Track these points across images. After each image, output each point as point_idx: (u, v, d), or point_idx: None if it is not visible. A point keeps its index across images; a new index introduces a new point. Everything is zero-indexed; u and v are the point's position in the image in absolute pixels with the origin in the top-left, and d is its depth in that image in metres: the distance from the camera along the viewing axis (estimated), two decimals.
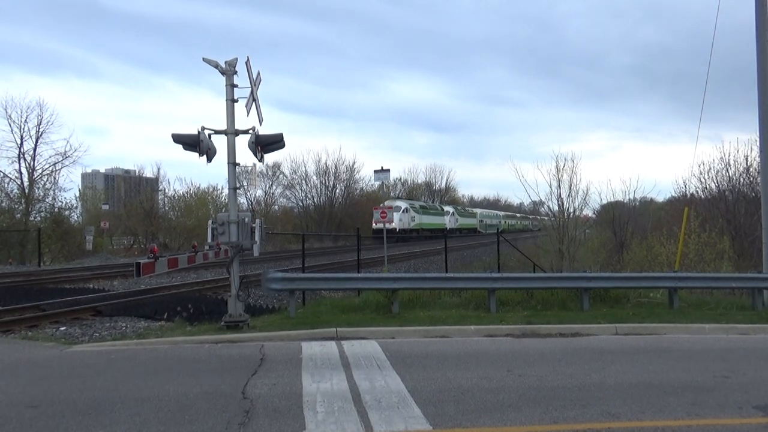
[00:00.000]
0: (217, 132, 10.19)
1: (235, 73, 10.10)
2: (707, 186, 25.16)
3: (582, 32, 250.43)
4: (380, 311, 11.91)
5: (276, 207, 58.55)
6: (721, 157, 24.47)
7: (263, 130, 10.37)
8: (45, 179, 36.73)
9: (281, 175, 60.60)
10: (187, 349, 8.78)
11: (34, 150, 36.33)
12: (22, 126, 36.09)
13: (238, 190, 10.67)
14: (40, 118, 36.50)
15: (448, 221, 64.83)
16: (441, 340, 9.45)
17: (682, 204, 23.60)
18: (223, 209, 27.69)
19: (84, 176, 69.70)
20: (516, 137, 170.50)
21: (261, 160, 10.68)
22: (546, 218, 25.09)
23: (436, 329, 10.19)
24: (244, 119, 10.33)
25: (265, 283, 11.60)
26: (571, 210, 22.15)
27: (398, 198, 62.44)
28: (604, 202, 29.66)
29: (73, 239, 35.06)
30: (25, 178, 35.90)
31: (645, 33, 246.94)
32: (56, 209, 36.36)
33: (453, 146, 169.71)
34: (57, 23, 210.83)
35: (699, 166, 25.15)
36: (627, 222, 28.37)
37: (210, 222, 10.64)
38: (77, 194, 46.12)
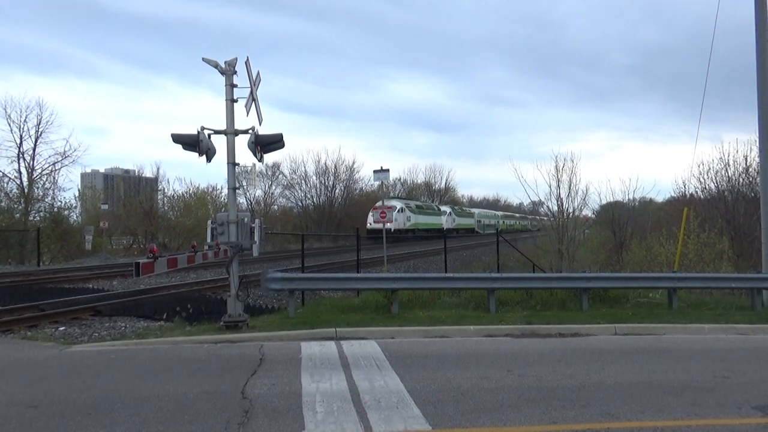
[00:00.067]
0: (216, 132, 10.19)
1: (235, 73, 10.10)
2: (707, 186, 25.23)
3: (582, 32, 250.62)
4: (380, 311, 11.91)
5: (275, 207, 58.66)
6: (721, 158, 24.55)
7: (263, 130, 10.38)
8: (44, 179, 36.74)
9: (281, 175, 60.72)
10: (187, 349, 8.78)
11: (34, 150, 36.34)
12: (22, 126, 36.09)
13: (237, 190, 10.67)
14: (39, 117, 36.51)
15: (445, 221, 64.12)
16: (440, 340, 9.45)
17: (681, 204, 23.63)
18: (223, 209, 27.68)
19: (83, 176, 69.57)
20: (516, 137, 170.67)
21: (260, 160, 10.68)
22: (545, 218, 25.11)
23: (436, 329, 10.19)
24: (243, 119, 10.34)
25: (265, 283, 11.60)
26: (571, 210, 22.20)
27: (394, 198, 61.54)
28: (604, 202, 29.75)
29: (73, 239, 35.04)
30: (25, 178, 35.91)
31: (645, 33, 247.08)
32: (55, 209, 36.35)
33: (453, 146, 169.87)
34: (57, 23, 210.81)
35: (698, 167, 25.22)
36: (626, 222, 28.40)
37: (209, 222, 10.64)
38: (77, 194, 46.16)
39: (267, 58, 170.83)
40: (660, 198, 35.34)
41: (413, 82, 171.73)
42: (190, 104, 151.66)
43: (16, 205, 34.97)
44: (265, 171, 57.52)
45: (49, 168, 36.73)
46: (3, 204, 34.53)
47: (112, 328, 10.88)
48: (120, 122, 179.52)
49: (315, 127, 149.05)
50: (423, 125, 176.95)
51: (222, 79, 10.12)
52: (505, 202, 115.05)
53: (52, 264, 29.22)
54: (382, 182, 19.10)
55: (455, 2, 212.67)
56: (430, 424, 5.25)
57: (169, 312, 11.95)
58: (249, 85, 10.16)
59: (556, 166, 21.70)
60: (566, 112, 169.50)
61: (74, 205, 40.35)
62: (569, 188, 21.81)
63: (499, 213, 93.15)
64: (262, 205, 56.03)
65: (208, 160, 10.20)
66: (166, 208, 46.67)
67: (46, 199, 36.46)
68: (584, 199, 22.62)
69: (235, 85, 10.14)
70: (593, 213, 31.95)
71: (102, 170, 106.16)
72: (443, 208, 68.89)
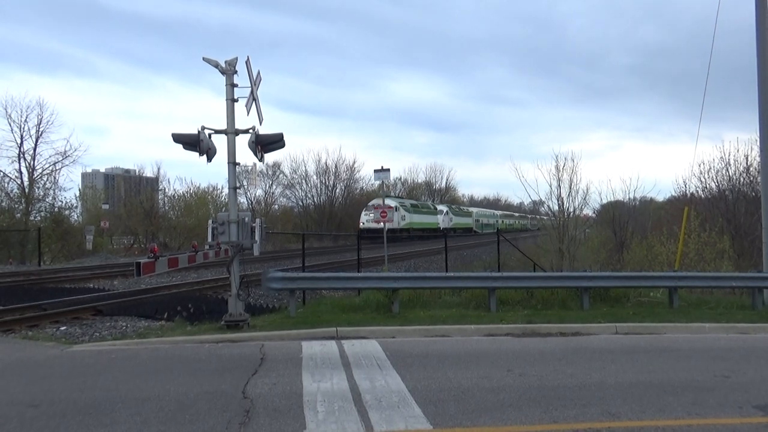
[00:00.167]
0: (217, 131, 10.18)
1: (235, 72, 10.10)
2: (707, 185, 25.20)
3: (582, 31, 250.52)
4: (380, 311, 11.91)
5: (276, 206, 58.64)
6: (721, 157, 24.51)
7: (263, 130, 10.38)
8: (45, 179, 36.77)
9: (281, 175, 60.69)
10: (188, 349, 8.78)
11: (34, 149, 36.38)
12: (22, 125, 36.13)
13: (238, 190, 10.67)
14: (40, 117, 36.55)
15: (442, 221, 62.91)
16: (441, 340, 9.45)
17: (682, 203, 23.62)
18: (223, 209, 27.69)
19: (84, 176, 69.72)
20: (516, 137, 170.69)
21: (261, 159, 10.68)
22: (546, 218, 25.12)
23: (437, 329, 10.19)
24: (244, 119, 10.34)
25: (266, 282, 11.60)
26: (571, 209, 22.22)
27: (388, 196, 61.25)
28: (604, 201, 29.77)
29: (74, 239, 35.06)
30: (25, 178, 35.95)
31: (645, 32, 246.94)
32: (56, 209, 36.38)
33: (453, 146, 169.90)
34: (57, 23, 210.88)
35: (699, 166, 25.17)
36: (627, 221, 28.42)
37: (210, 221, 10.64)
38: (77, 194, 46.22)
39: (267, 58, 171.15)
40: (660, 197, 35.36)
41: (413, 81, 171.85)
42: (191, 104, 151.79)
43: (17, 205, 35.00)
44: (265, 170, 57.59)
45: (50, 168, 36.82)
46: (4, 204, 34.56)
47: (113, 327, 10.89)
48: (120, 122, 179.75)
49: (315, 127, 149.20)
50: (423, 125, 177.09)
51: (222, 79, 10.12)
52: (505, 201, 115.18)
53: (53, 264, 29.23)
54: (382, 182, 19.12)
55: (455, 2, 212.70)
56: (431, 424, 5.25)
57: (170, 311, 11.95)
58: (249, 85, 10.16)
59: (557, 165, 21.73)
60: (566, 111, 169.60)
61: (75, 204, 40.49)
62: (570, 188, 21.85)
63: (498, 212, 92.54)
64: (263, 204, 56.02)
65: (209, 159, 10.20)
66: (166, 207, 46.72)
67: (47, 199, 36.53)
68: (585, 199, 22.67)
69: (236, 85, 10.13)
70: (594, 212, 31.98)
71: (102, 170, 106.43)
72: (440, 207, 67.60)
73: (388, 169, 18.43)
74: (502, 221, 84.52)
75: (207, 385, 6.53)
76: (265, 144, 10.43)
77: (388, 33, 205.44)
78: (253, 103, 10.22)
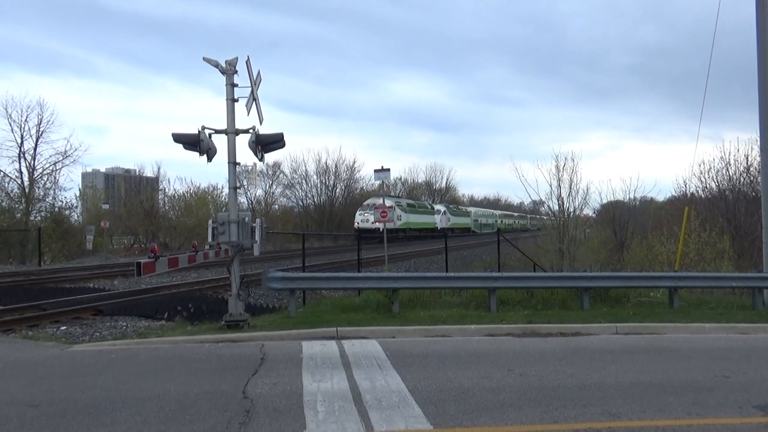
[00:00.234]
0: (217, 131, 10.19)
1: (236, 72, 10.10)
2: (707, 185, 25.20)
3: (582, 32, 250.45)
4: (381, 311, 11.91)
5: (276, 206, 58.69)
6: (722, 157, 24.50)
7: (263, 130, 10.39)
8: (45, 179, 36.81)
9: (281, 175, 60.72)
10: (188, 349, 8.79)
11: (35, 149, 36.40)
12: (23, 125, 36.16)
13: (238, 190, 10.67)
14: (40, 117, 36.57)
15: (439, 220, 61.56)
16: (441, 340, 9.45)
17: (682, 203, 23.62)
18: (224, 209, 27.70)
19: (84, 175, 69.72)
20: (516, 137, 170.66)
21: (261, 159, 10.69)
22: (546, 217, 25.12)
23: (437, 329, 10.19)
24: (244, 119, 10.34)
25: (266, 282, 11.60)
26: (572, 209, 22.22)
27: (383, 195, 60.30)
28: (605, 201, 29.76)
29: (74, 239, 35.07)
30: (26, 178, 35.97)
31: (645, 32, 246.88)
32: (56, 209, 36.39)
33: (453, 146, 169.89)
34: (57, 23, 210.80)
35: (699, 166, 25.15)
36: (627, 221, 28.41)
37: (210, 221, 10.64)
38: (77, 194, 46.21)
39: (267, 58, 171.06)
40: (661, 197, 35.36)
41: (413, 81, 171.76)
42: (191, 104, 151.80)
43: (17, 205, 35.02)
44: (265, 170, 57.61)
45: (50, 168, 36.85)
46: (4, 204, 34.58)
47: (114, 327, 10.89)
48: (120, 122, 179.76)
49: (315, 127, 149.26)
50: (423, 125, 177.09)
51: (222, 79, 10.12)
52: (505, 201, 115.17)
53: (53, 264, 29.23)
54: (383, 181, 19.14)
55: (455, 2, 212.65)
56: (431, 424, 5.25)
57: (170, 311, 11.96)
58: (250, 85, 10.16)
59: (557, 165, 21.73)
60: (567, 111, 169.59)
61: (75, 204, 40.47)
62: (570, 187, 21.84)
63: (497, 212, 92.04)
64: (263, 204, 56.06)
65: (209, 159, 10.20)
66: (166, 207, 46.74)
67: (47, 199, 36.56)
68: (585, 199, 22.66)
69: (236, 85, 10.14)
70: (594, 212, 31.97)
71: (103, 170, 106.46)
72: (437, 206, 65.98)
73: (388, 169, 18.45)
74: (501, 221, 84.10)
75: (207, 384, 6.53)
76: (266, 144, 10.43)
77: (388, 33, 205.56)
78: (254, 103, 10.22)
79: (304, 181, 62.07)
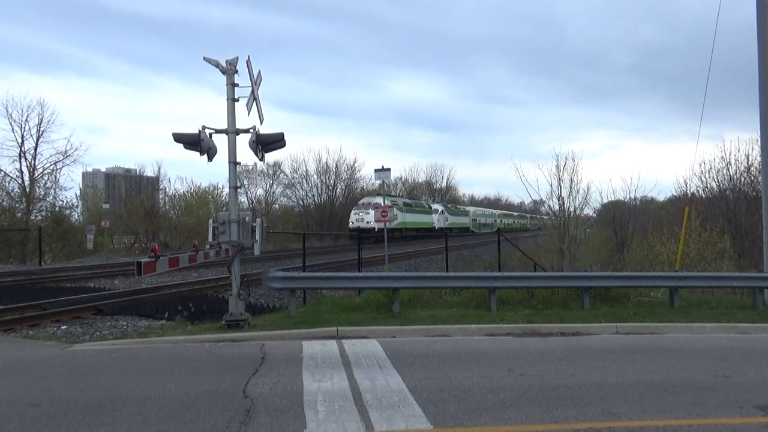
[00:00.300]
0: (217, 131, 10.19)
1: (236, 72, 10.10)
2: (708, 185, 25.19)
3: (582, 31, 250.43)
4: (381, 310, 11.91)
5: (277, 206, 58.71)
6: (722, 156, 24.49)
7: (264, 129, 10.38)
8: (46, 178, 36.83)
9: (282, 174, 60.70)
10: (188, 348, 8.79)
11: (35, 149, 36.42)
12: (23, 125, 36.18)
13: (238, 189, 10.67)
14: (40, 117, 36.59)
15: (437, 220, 60.86)
16: (442, 339, 9.45)
17: (682, 203, 23.60)
18: (224, 208, 27.69)
19: (85, 175, 69.74)
20: (516, 136, 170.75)
21: (262, 159, 10.67)
22: (546, 217, 25.13)
23: (437, 328, 10.19)
24: (244, 118, 10.34)
25: (266, 282, 11.60)
26: (572, 209, 22.24)
27: (378, 194, 59.04)
28: (605, 201, 29.76)
29: (74, 238, 35.09)
30: (26, 177, 35.97)
31: (645, 32, 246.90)
32: (57, 208, 36.42)
33: (453, 145, 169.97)
34: (57, 23, 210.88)
35: (700, 165, 25.13)
36: (628, 221, 28.40)
37: (211, 221, 10.64)
38: (78, 193, 46.08)
39: (268, 58, 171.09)
40: (661, 197, 35.38)
41: (413, 81, 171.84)
42: (191, 103, 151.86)
43: (17, 205, 35.03)
44: (266, 170, 57.57)
45: (51, 167, 36.87)
46: (5, 203, 34.59)
47: (114, 327, 10.89)
48: (121, 121, 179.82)
49: (316, 126, 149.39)
50: (423, 124, 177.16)
51: (223, 79, 10.12)
52: (506, 201, 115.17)
53: (54, 263, 29.26)
54: (383, 181, 19.12)
55: (455, 2, 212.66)
56: (431, 423, 5.25)
57: (170, 311, 11.96)
58: (250, 85, 10.16)
59: (557, 165, 21.78)
60: (567, 111, 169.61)
61: (76, 204, 40.41)
62: (570, 187, 21.89)
63: (497, 212, 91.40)
64: (264, 204, 56.06)
65: (210, 159, 10.21)
66: (167, 207, 46.70)
67: (48, 199, 36.58)
68: (585, 198, 22.71)
69: (237, 85, 10.14)
70: (594, 212, 31.98)
71: (103, 169, 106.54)
72: (434, 206, 65.30)
73: (389, 169, 18.45)
74: (501, 221, 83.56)
75: (207, 384, 6.53)
76: (266, 143, 10.43)
77: (388, 33, 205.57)
78: (254, 102, 10.22)
79: (304, 181, 62.15)
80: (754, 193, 22.07)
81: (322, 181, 62.31)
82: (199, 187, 47.22)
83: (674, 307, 12.26)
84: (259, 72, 10.32)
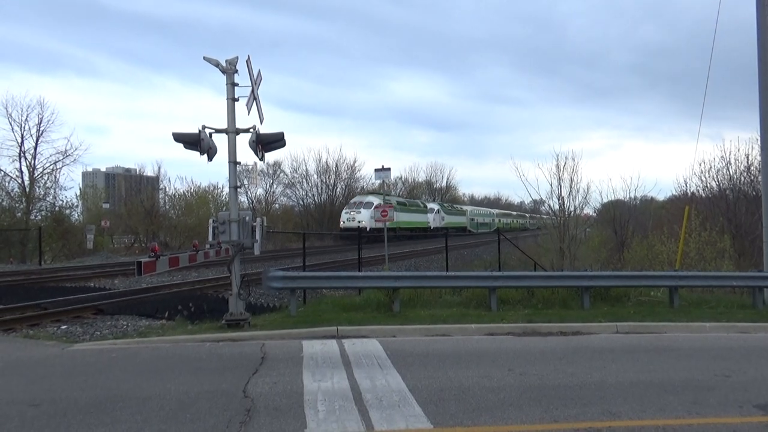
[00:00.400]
0: (217, 131, 10.19)
1: (236, 71, 10.10)
2: (708, 185, 25.21)
3: (582, 31, 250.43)
4: (381, 310, 11.91)
5: (277, 205, 58.64)
6: (722, 156, 24.51)
7: (264, 129, 10.38)
8: (46, 178, 36.82)
9: (282, 174, 60.68)
10: (189, 348, 8.79)
11: (35, 149, 36.41)
12: (23, 125, 36.17)
13: (239, 189, 10.67)
14: (40, 116, 36.57)
15: (432, 219, 59.24)
16: (442, 339, 9.45)
17: (682, 203, 23.61)
18: (224, 208, 27.70)
19: (85, 175, 69.76)
20: (516, 136, 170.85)
21: (262, 158, 10.68)
22: (546, 217, 25.13)
23: (437, 328, 10.20)
24: (244, 118, 10.33)
25: (266, 281, 11.60)
26: (572, 208, 22.24)
27: (371, 193, 54.23)
28: (605, 200, 29.76)
29: (74, 238, 35.07)
30: (26, 177, 35.95)
31: (645, 32, 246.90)
32: (57, 208, 36.41)
33: (454, 145, 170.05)
34: (57, 22, 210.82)
35: (700, 165, 25.16)
36: (628, 221, 28.41)
37: (211, 221, 10.64)
38: (78, 193, 46.03)
39: (268, 57, 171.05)
40: (661, 196, 35.37)
41: (414, 80, 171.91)
42: (191, 103, 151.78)
43: (17, 204, 35.03)
44: (266, 170, 57.52)
45: (51, 167, 36.87)
46: (5, 203, 34.59)
47: (114, 326, 10.89)
48: (121, 121, 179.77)
49: (316, 126, 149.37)
50: (424, 124, 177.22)
51: (223, 78, 10.12)
52: (506, 200, 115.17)
53: (54, 263, 29.26)
54: (383, 180, 19.14)
55: (455, 2, 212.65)
56: (431, 423, 5.26)
57: (170, 310, 11.96)
58: (250, 84, 10.16)
59: (557, 164, 21.78)
60: (567, 110, 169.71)
61: (76, 204, 40.37)
62: (570, 187, 21.89)
63: (495, 211, 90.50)
64: (264, 203, 56.01)
65: (210, 159, 10.21)
66: (167, 206, 46.67)
67: (48, 198, 36.59)
68: (585, 198, 22.72)
69: (236, 84, 10.13)
70: (594, 211, 31.97)
71: (103, 169, 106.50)
72: (430, 205, 63.42)
73: (389, 169, 18.47)
74: (499, 220, 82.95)
75: (208, 384, 6.54)
76: (266, 143, 10.43)
77: (389, 32, 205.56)
78: (254, 102, 10.22)
79: (304, 181, 62.16)
80: (754, 193, 22.08)
81: (322, 180, 62.39)
82: (199, 186, 47.28)
83: (674, 307, 12.27)
84: (259, 71, 10.33)
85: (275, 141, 10.50)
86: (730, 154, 24.25)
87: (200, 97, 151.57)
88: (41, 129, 36.35)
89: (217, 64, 10.07)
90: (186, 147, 10.12)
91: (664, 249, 19.79)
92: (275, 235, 40.48)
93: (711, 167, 24.67)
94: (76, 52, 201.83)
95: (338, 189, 62.61)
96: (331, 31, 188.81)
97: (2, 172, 34.97)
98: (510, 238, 22.52)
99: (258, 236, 10.39)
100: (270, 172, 58.51)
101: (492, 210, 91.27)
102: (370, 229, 42.87)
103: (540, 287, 12.76)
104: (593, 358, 8.00)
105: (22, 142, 35.98)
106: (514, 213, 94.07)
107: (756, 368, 7.44)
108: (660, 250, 20.02)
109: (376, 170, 18.49)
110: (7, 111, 36.40)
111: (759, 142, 14.10)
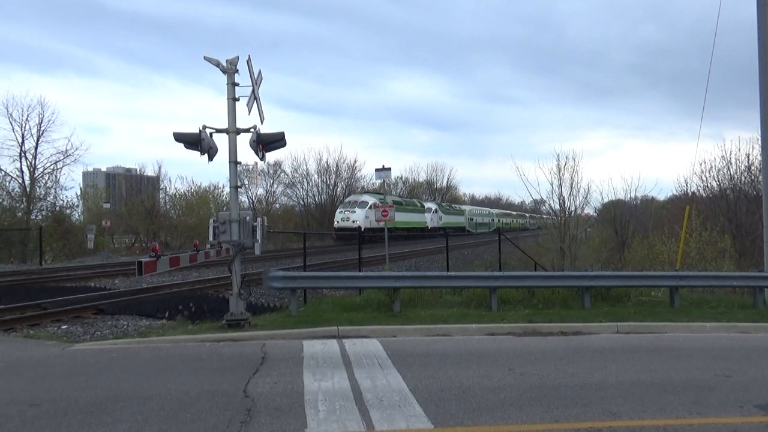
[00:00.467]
0: (218, 131, 10.19)
1: (237, 71, 10.10)
2: (708, 184, 25.20)
3: (582, 31, 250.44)
4: (382, 310, 11.91)
5: (277, 205, 58.66)
6: (723, 156, 24.51)
7: (264, 129, 10.39)
8: (46, 178, 36.79)
9: (282, 174, 60.74)
10: (189, 348, 8.79)
11: (36, 148, 36.39)
12: (24, 124, 36.14)
13: (239, 189, 10.67)
14: (41, 116, 36.54)
15: (429, 219, 58.57)
16: (442, 339, 9.45)
17: (683, 202, 23.59)
18: (225, 208, 27.69)
19: (85, 175, 69.84)
20: (517, 135, 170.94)
21: (262, 158, 10.68)
22: (547, 216, 25.10)
23: (438, 328, 10.19)
24: (245, 118, 10.34)
25: (267, 281, 11.60)
26: (573, 208, 22.21)
27: (365, 192, 53.71)
28: (606, 200, 29.71)
29: (75, 238, 35.07)
30: (27, 177, 35.93)
31: (646, 31, 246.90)
32: (57, 208, 36.39)
33: (454, 144, 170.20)
34: (57, 22, 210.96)
35: (700, 165, 25.15)
36: (628, 220, 28.40)
37: (211, 220, 10.65)
38: (78, 193, 45.99)
39: (268, 57, 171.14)
40: (662, 196, 35.38)
41: (414, 80, 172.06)
42: (192, 103, 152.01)
43: (18, 204, 35.02)
44: (266, 169, 57.55)
45: (51, 167, 36.84)
46: (5, 203, 34.57)
47: (114, 326, 10.89)
48: (121, 121, 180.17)
49: (316, 126, 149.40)
50: (424, 123, 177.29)
51: (223, 78, 10.12)
52: (506, 200, 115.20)
53: (54, 263, 29.25)
54: (384, 180, 19.14)
55: (455, 1, 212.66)
56: (432, 423, 5.25)
57: (171, 310, 11.96)
58: (250, 84, 10.15)
59: (558, 164, 21.74)
60: (567, 110, 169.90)
61: (76, 203, 40.33)
62: (571, 186, 21.85)
63: (495, 211, 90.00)
64: (264, 203, 56.02)
65: (210, 158, 10.21)
66: (167, 206, 46.69)
67: (48, 198, 36.56)
68: (586, 198, 22.67)
69: (237, 84, 10.13)
70: (595, 211, 31.95)
71: (104, 169, 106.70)
72: (428, 204, 62.60)
73: (390, 168, 18.47)
74: (499, 220, 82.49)
75: (208, 384, 6.54)
76: (267, 143, 10.43)
77: (389, 32, 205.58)
78: (255, 102, 10.22)
79: (305, 180, 62.21)
80: (755, 193, 22.07)
81: (322, 180, 62.45)
82: (200, 186, 47.32)
83: (675, 307, 12.26)
84: (260, 71, 10.33)
85: (276, 141, 10.49)
86: (730, 154, 24.27)
87: (200, 96, 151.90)
88: (42, 129, 36.37)
89: (217, 64, 10.07)
90: (186, 147, 10.12)
91: (664, 249, 19.77)
92: (276, 235, 40.49)
93: (712, 167, 24.69)
94: (76, 51, 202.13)
95: (339, 189, 62.71)
96: (332, 30, 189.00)
97: (3, 172, 35.00)
98: (510, 238, 22.48)
99: (258, 236, 10.38)
100: (270, 171, 58.63)
101: (491, 210, 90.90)
102: (364, 229, 42.63)
103: (540, 287, 12.76)
104: (594, 358, 7.99)
105: (23, 141, 36.02)
106: (514, 213, 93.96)
107: (757, 368, 7.43)
108: (660, 250, 20.01)
109: (377, 170, 18.50)
110: (7, 111, 36.41)
111: (759, 142, 14.10)
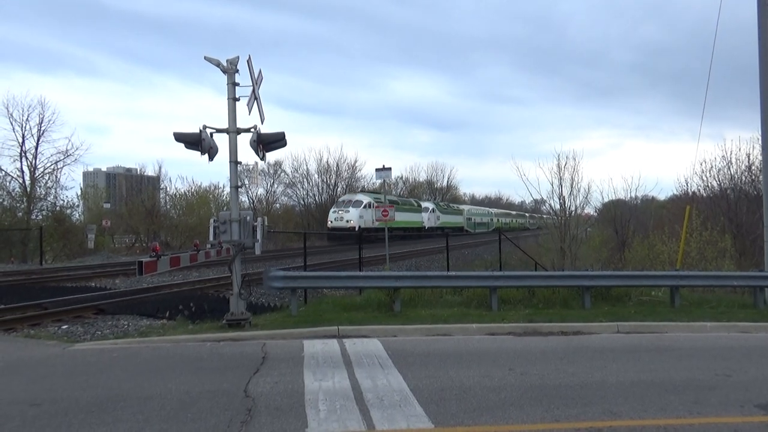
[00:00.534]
0: (218, 131, 10.19)
1: (237, 71, 10.10)
2: (709, 184, 25.22)
3: (583, 31, 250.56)
4: (382, 310, 11.91)
5: (277, 205, 58.62)
6: (723, 155, 24.54)
7: (265, 129, 10.39)
8: (47, 178, 36.79)
9: (283, 174, 60.68)
10: (189, 348, 8.79)
11: (36, 148, 36.39)
12: (24, 124, 36.15)
13: (239, 189, 10.67)
14: (41, 116, 36.54)
15: (427, 219, 57.32)
16: (443, 339, 9.45)
17: (683, 202, 23.59)
18: (225, 208, 27.69)
19: (86, 174, 69.70)
20: (517, 135, 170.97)
21: (263, 158, 10.68)
22: (547, 216, 25.11)
23: (438, 328, 10.20)
24: (245, 117, 10.34)
25: (267, 281, 11.61)
26: (573, 208, 22.23)
27: (360, 191, 53.06)
28: (606, 200, 29.70)
29: (75, 238, 35.09)
30: (27, 177, 35.93)
31: (646, 31, 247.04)
32: (58, 208, 36.41)
33: (454, 144, 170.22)
34: (57, 22, 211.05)
35: (701, 164, 25.21)
36: (629, 220, 28.40)
37: (212, 220, 10.65)
38: (79, 193, 45.94)
39: (268, 57, 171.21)
40: (662, 196, 35.40)
41: (414, 79, 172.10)
42: (192, 102, 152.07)
43: (18, 204, 35.03)
44: (267, 169, 57.52)
45: (52, 167, 36.84)
46: (6, 203, 34.59)
47: (115, 326, 10.89)
48: (121, 121, 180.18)
49: (316, 125, 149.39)
50: (424, 123, 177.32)
51: (224, 78, 10.12)
52: (507, 200, 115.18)
53: (55, 263, 29.27)
54: (384, 180, 19.14)
55: (456, 1, 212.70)
56: (432, 423, 5.25)
57: (171, 310, 11.96)
58: (251, 84, 10.16)
59: (558, 164, 21.77)
60: (568, 109, 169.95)
61: (76, 203, 40.32)
62: (571, 186, 21.88)
63: (494, 210, 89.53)
64: (264, 203, 56.01)
65: (210, 158, 10.21)
66: (168, 206, 46.71)
67: (49, 198, 36.57)
68: (586, 197, 22.71)
69: (237, 84, 10.14)
70: (595, 211, 31.96)
71: (104, 169, 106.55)
72: (425, 204, 61.21)
73: (390, 168, 18.48)
74: (498, 220, 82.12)
75: (209, 383, 6.54)
76: (267, 143, 10.43)
77: (389, 32, 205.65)
78: (255, 101, 10.22)
79: (305, 180, 62.17)
80: (755, 192, 22.08)
81: (323, 180, 62.42)
82: (200, 186, 47.30)
83: (675, 306, 12.26)
84: (260, 71, 10.33)
85: (276, 141, 10.50)
86: (731, 154, 24.30)
87: (201, 96, 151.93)
88: (42, 129, 36.37)
89: (217, 64, 10.07)
90: (187, 147, 10.12)
91: (665, 249, 19.78)
92: (276, 234, 40.49)
93: (712, 167, 24.72)
94: (76, 51, 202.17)
95: (339, 189, 62.59)
96: (332, 30, 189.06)
97: (3, 172, 35.00)
98: (510, 238, 22.49)
99: (259, 236, 10.39)
100: (271, 171, 58.59)
101: (490, 209, 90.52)
102: (358, 228, 41.98)
103: (541, 287, 12.76)
104: (594, 357, 7.99)
105: (23, 141, 36.02)
106: (514, 212, 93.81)
107: (757, 368, 7.43)
108: (661, 250, 20.01)
109: (377, 170, 18.52)
110: (8, 111, 36.41)
111: (760, 142, 14.11)
